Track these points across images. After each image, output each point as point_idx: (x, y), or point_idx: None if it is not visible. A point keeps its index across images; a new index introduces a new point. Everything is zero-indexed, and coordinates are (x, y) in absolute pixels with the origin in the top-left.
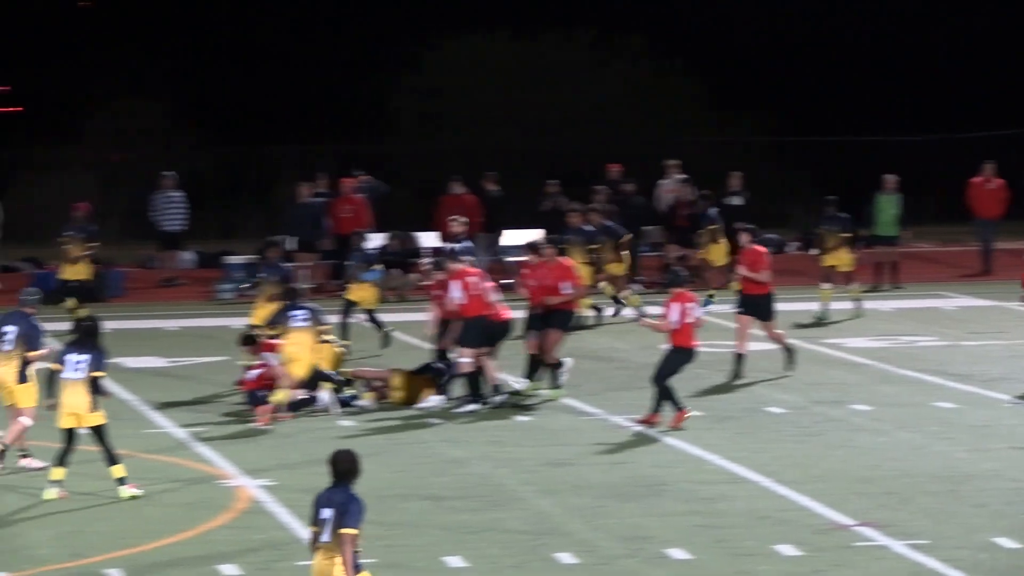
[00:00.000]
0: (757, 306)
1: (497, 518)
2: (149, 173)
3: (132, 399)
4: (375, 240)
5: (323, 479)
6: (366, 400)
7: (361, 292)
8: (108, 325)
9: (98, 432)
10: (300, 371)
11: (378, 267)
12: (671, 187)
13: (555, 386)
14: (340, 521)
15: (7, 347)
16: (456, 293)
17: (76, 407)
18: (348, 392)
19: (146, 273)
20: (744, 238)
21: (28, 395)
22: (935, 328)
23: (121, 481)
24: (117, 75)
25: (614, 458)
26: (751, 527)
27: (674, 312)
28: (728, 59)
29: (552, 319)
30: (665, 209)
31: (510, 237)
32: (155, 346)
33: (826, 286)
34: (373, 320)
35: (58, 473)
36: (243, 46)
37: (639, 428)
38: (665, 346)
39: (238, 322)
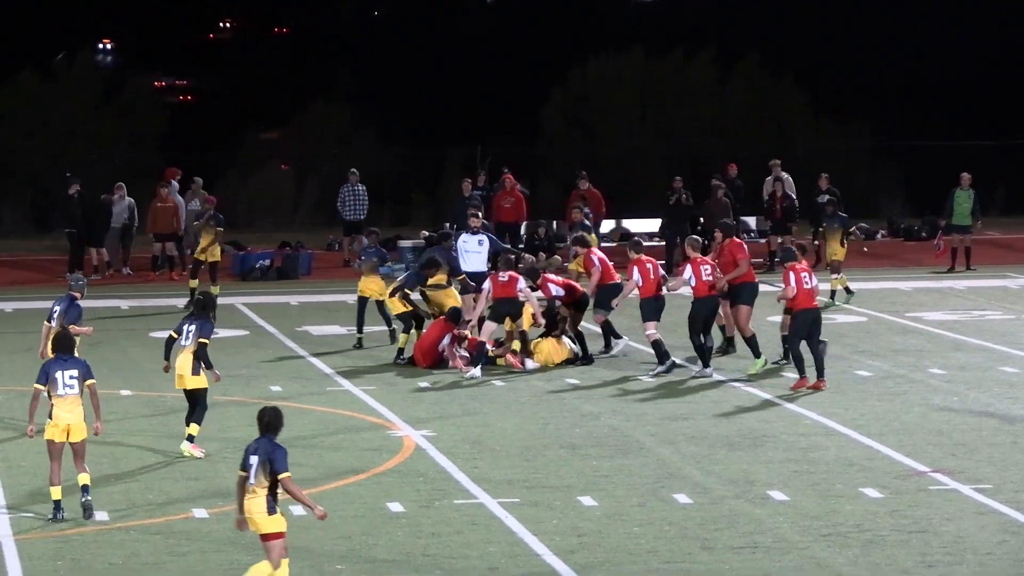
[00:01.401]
0: (739, 293)
1: (624, 464)
2: (334, 170)
3: (316, 362)
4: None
5: (477, 429)
6: (531, 363)
7: (371, 285)
8: (297, 299)
9: (193, 394)
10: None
11: (389, 263)
12: (773, 183)
13: (756, 355)
14: (272, 468)
15: (53, 322)
16: (636, 276)
17: (182, 369)
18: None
19: (330, 255)
20: (718, 236)
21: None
22: (1002, 304)
23: (190, 439)
24: (311, 86)
25: (724, 413)
26: (840, 472)
27: (791, 281)
28: (831, 74)
29: (739, 296)
30: (765, 202)
31: (642, 225)
32: (337, 317)
33: (835, 276)
34: (382, 313)
35: (192, 429)
36: (417, 62)
37: (749, 388)
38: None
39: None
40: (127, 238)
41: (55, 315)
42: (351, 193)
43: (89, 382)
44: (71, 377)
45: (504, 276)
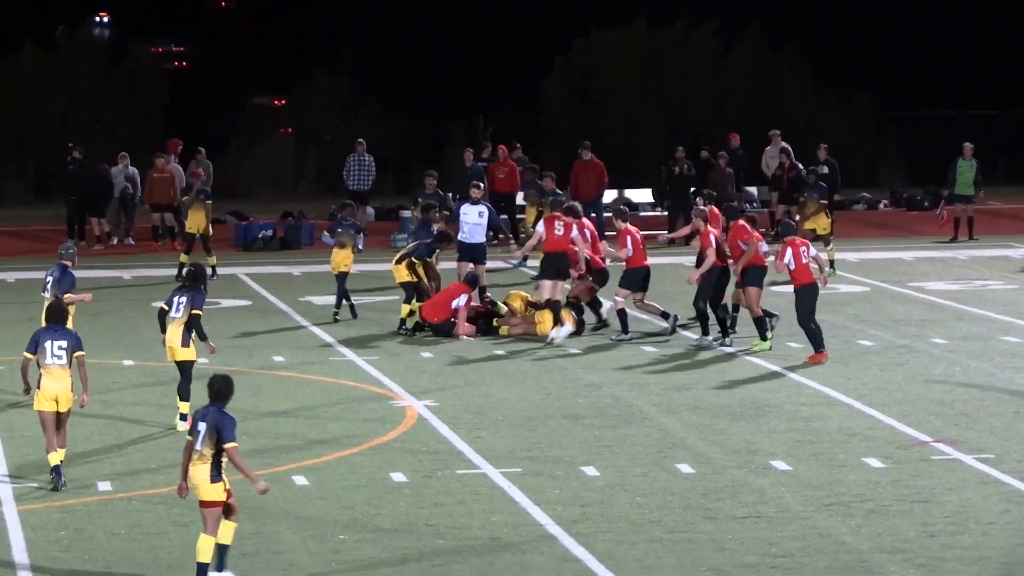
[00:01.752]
0: (747, 275)
1: (627, 434)
2: (336, 140)
3: (319, 332)
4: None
5: (479, 399)
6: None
7: (346, 259)
8: (299, 270)
9: (180, 366)
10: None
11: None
12: (774, 153)
13: (763, 338)
14: (219, 436)
15: (46, 294)
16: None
17: (172, 341)
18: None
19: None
20: (700, 202)
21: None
22: (1004, 274)
23: (183, 417)
24: (314, 56)
25: (727, 383)
26: (843, 442)
27: (787, 256)
28: (831, 45)
29: (747, 278)
30: (770, 173)
31: (643, 196)
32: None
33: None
34: (342, 288)
35: (183, 407)
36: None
37: (751, 358)
38: (790, 288)
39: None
40: (129, 208)
41: (48, 285)
42: (357, 163)
43: (78, 354)
44: (60, 348)
45: (560, 227)
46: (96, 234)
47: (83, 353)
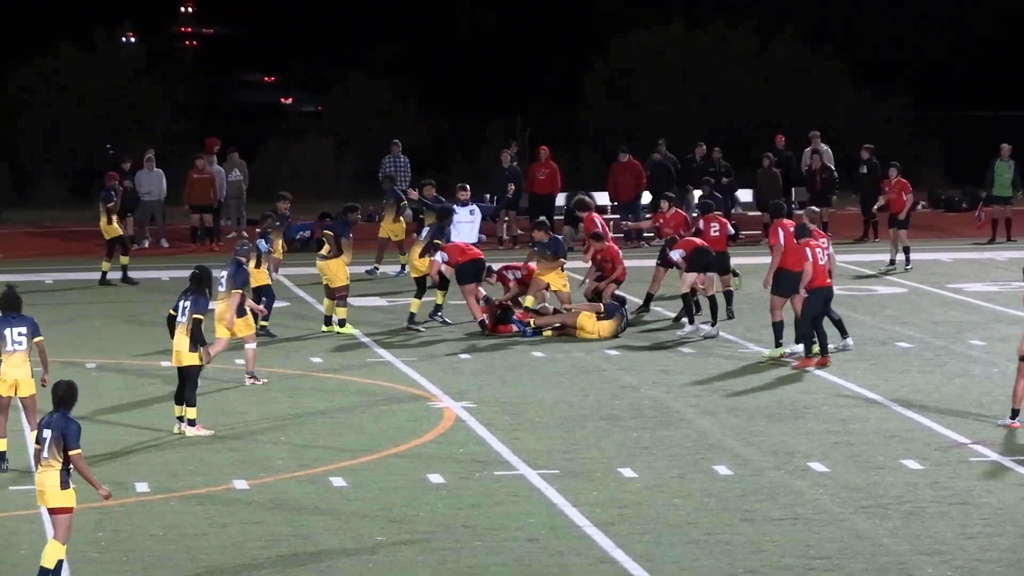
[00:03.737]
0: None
1: (664, 435)
2: (375, 140)
3: (356, 333)
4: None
5: (517, 401)
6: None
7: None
8: None
9: (184, 372)
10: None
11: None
12: (811, 155)
13: (777, 343)
14: (64, 443)
15: (222, 288)
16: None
17: (179, 346)
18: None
19: (370, 226)
20: (664, 204)
21: (247, 325)
22: None
23: (191, 423)
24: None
25: (764, 385)
26: (881, 444)
27: (780, 236)
28: (872, 43)
29: (775, 283)
30: (804, 173)
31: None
32: (377, 287)
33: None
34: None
35: (178, 410)
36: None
37: (789, 360)
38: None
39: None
40: (158, 210)
41: (223, 280)
42: (393, 164)
43: (37, 339)
44: (19, 334)
45: (715, 228)
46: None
47: (42, 338)
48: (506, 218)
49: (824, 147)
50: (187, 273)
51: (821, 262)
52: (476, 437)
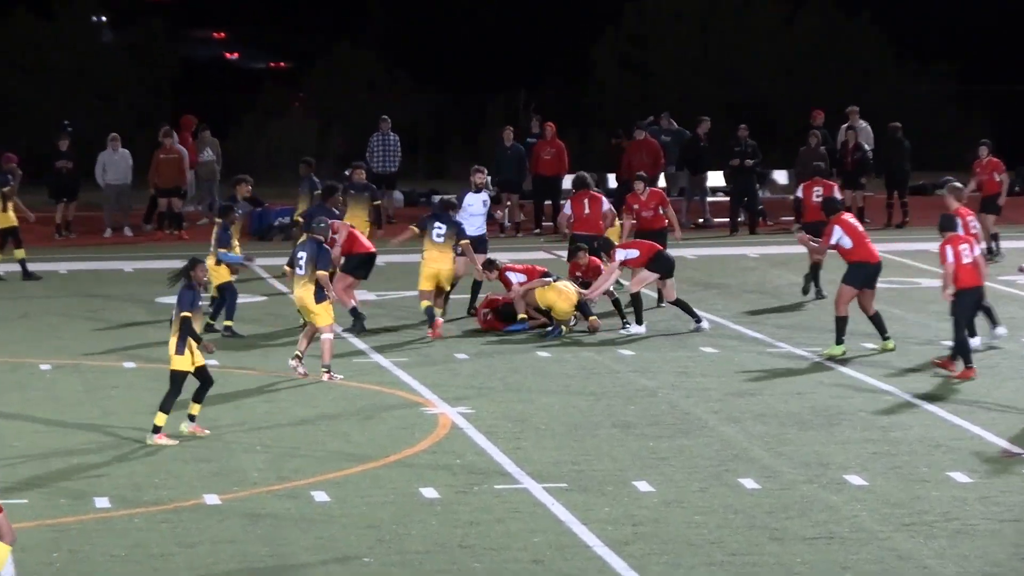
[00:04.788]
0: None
1: (684, 444)
2: (362, 119)
3: (342, 332)
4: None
5: (520, 406)
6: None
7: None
8: None
9: (171, 375)
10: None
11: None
12: (845, 132)
13: (839, 340)
14: None
15: (300, 271)
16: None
17: (170, 347)
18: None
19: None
20: (639, 186)
21: (326, 313)
22: None
23: (157, 430)
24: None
25: (795, 388)
26: (925, 454)
27: (836, 234)
28: (911, 10)
29: (845, 274)
30: (836, 152)
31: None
32: (365, 281)
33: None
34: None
35: (194, 408)
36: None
37: (822, 363)
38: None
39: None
40: (124, 195)
41: (303, 261)
42: (381, 143)
43: None
44: None
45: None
46: (58, 221)
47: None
48: (507, 203)
49: (863, 124)
50: (154, 264)
51: (967, 260)
52: (474, 446)
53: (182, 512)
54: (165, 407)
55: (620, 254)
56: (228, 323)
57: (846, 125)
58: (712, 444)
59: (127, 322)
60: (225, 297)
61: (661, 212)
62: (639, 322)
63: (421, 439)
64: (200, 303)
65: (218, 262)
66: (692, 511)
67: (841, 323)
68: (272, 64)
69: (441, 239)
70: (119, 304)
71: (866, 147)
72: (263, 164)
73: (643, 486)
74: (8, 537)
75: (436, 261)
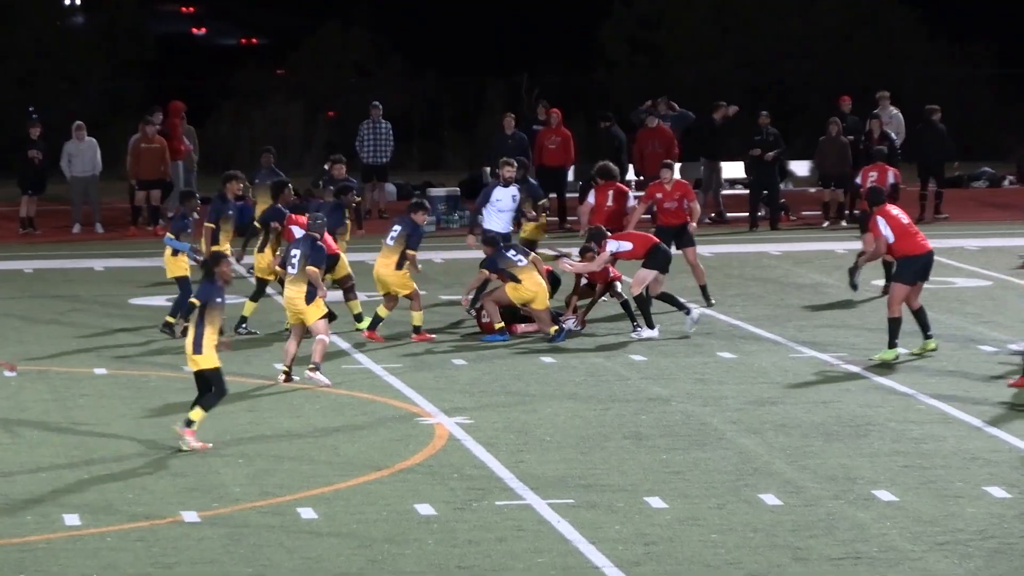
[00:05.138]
0: (677, 235)
1: (700, 457)
2: (352, 104)
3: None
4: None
5: (523, 416)
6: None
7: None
8: None
9: (202, 376)
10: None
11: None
12: (886, 120)
13: (892, 344)
14: None
15: (293, 270)
16: None
17: (186, 346)
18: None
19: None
20: (665, 174)
21: (318, 311)
22: None
23: (188, 423)
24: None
25: (820, 397)
26: (960, 468)
27: (882, 227)
28: None
29: (896, 271)
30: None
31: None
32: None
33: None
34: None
35: (194, 414)
36: None
37: (851, 367)
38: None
39: (440, 255)
40: (92, 188)
41: (295, 260)
42: (372, 131)
43: None
44: None
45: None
46: (22, 216)
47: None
48: None
49: (894, 111)
50: (128, 263)
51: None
52: (474, 459)
53: (158, 530)
54: (206, 406)
55: (612, 245)
56: (170, 319)
57: (873, 112)
58: (730, 457)
59: (98, 325)
60: (182, 291)
61: (685, 206)
62: (650, 325)
63: (416, 451)
64: (221, 299)
65: (175, 252)
66: (709, 529)
67: (894, 325)
68: (244, 41)
69: (392, 242)
70: (89, 306)
71: (893, 136)
72: (245, 155)
73: (656, 502)
74: None
75: (378, 265)
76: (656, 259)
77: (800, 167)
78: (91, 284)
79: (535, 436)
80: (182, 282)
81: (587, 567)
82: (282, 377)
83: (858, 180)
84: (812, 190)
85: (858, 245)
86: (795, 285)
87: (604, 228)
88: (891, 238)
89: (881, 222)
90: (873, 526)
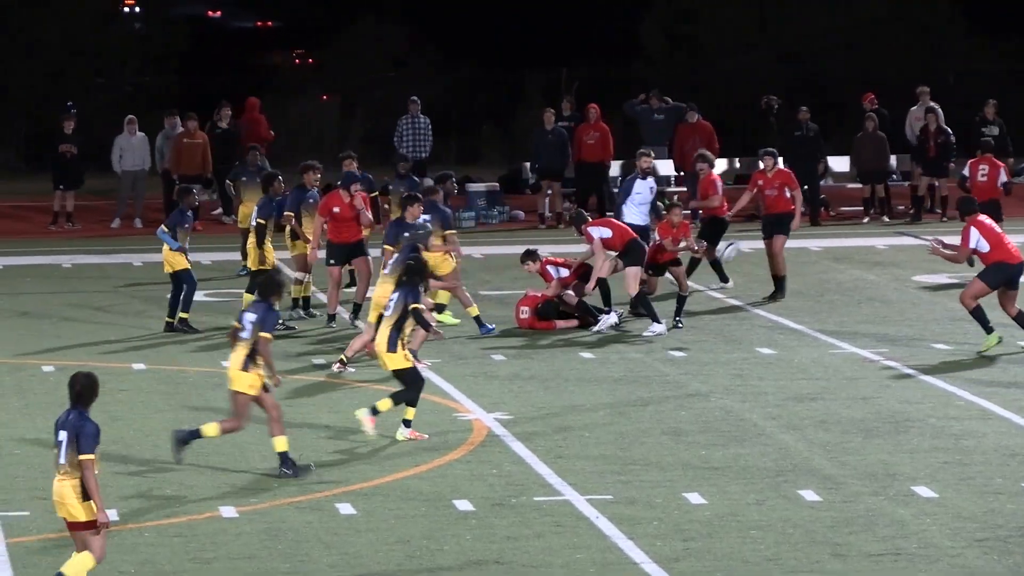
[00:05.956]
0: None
1: (739, 453)
2: (388, 98)
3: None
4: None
5: (561, 411)
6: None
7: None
8: None
9: (399, 375)
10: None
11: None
12: (919, 115)
13: (988, 331)
14: (76, 446)
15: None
16: None
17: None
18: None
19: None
20: (767, 161)
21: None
22: None
23: (408, 424)
24: None
25: (860, 393)
26: (1000, 465)
27: (973, 238)
28: None
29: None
30: (913, 138)
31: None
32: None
33: None
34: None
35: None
36: None
37: (891, 363)
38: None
39: (479, 251)
40: (140, 182)
41: (389, 264)
42: (411, 126)
43: None
44: None
45: None
46: (56, 210)
47: None
48: (548, 191)
49: (933, 106)
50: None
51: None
52: (512, 455)
53: (196, 525)
54: (412, 401)
55: (594, 232)
56: (184, 315)
57: (918, 106)
58: (769, 453)
59: (136, 321)
60: (183, 287)
61: (788, 194)
62: (656, 320)
63: (454, 447)
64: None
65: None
66: (747, 525)
67: (978, 313)
68: (259, 23)
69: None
70: (127, 301)
71: (949, 131)
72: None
73: (695, 498)
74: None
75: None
76: (636, 254)
77: (839, 163)
78: (129, 279)
79: (574, 432)
80: (184, 276)
81: (625, 563)
82: (337, 366)
83: (966, 172)
84: (850, 186)
85: (901, 241)
86: (835, 281)
87: (585, 212)
88: (986, 248)
89: (974, 233)
90: (912, 522)
